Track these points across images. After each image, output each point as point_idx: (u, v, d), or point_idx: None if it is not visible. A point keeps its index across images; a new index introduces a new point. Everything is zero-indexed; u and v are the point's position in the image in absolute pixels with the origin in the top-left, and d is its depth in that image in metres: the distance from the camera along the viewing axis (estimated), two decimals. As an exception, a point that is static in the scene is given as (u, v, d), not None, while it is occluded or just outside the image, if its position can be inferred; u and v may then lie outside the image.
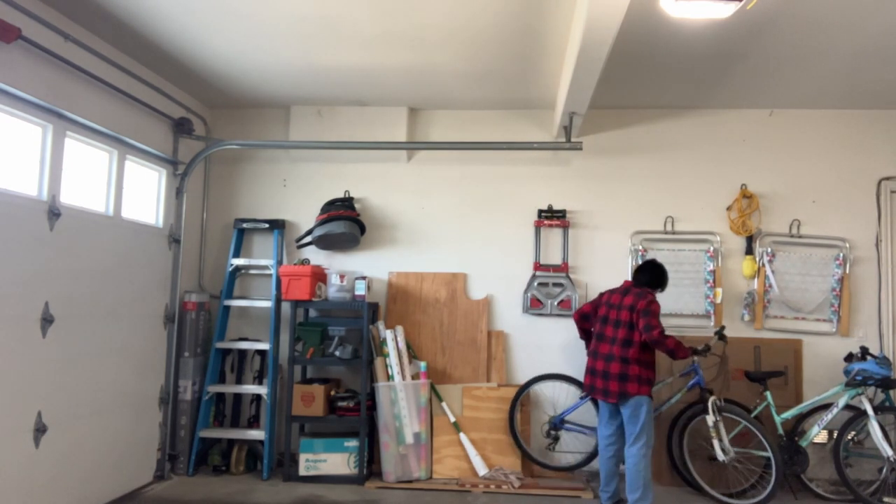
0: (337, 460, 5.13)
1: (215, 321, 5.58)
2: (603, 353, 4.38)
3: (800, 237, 5.43)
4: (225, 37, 4.33)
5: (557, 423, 5.14)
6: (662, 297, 5.41)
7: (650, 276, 4.51)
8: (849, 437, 4.72)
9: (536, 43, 4.29)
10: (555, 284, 5.48)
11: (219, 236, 5.83)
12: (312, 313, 5.68)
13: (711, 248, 5.42)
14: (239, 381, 5.61)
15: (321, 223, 5.40)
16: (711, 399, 4.64)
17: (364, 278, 5.29)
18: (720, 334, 4.95)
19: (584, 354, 5.47)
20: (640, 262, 5.44)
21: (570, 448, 5.32)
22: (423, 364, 5.26)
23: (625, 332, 4.30)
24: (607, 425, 4.47)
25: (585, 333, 4.76)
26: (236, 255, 5.66)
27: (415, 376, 5.23)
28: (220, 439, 5.46)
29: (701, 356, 4.74)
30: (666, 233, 5.52)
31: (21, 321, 3.67)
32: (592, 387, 4.42)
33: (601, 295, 4.61)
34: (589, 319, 4.64)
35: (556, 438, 5.20)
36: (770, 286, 5.34)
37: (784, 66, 4.60)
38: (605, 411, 4.47)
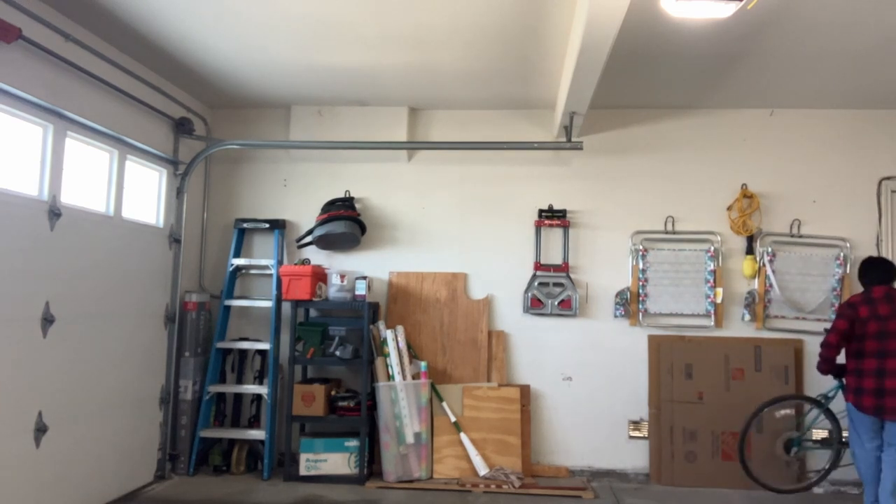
0: (337, 460, 5.13)
1: (216, 321, 5.58)
2: (892, 369, 3.99)
3: (800, 237, 5.43)
4: (225, 36, 4.33)
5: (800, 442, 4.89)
6: (665, 298, 5.43)
7: (888, 267, 4.21)
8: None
9: (537, 43, 4.29)
10: (555, 284, 5.48)
11: (219, 236, 5.84)
12: (313, 313, 5.68)
13: (712, 248, 5.42)
14: (239, 381, 5.61)
15: (321, 223, 5.40)
16: None
17: (364, 278, 5.29)
18: None
19: (586, 355, 5.48)
20: (639, 262, 5.44)
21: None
22: (423, 364, 5.26)
23: None
24: (874, 437, 4.17)
25: (838, 353, 4.26)
26: (237, 255, 5.66)
27: (415, 376, 5.23)
28: (220, 439, 5.46)
29: None
30: (666, 233, 5.51)
31: (22, 321, 3.67)
32: (880, 407, 4.03)
33: (855, 310, 4.14)
34: (845, 339, 4.20)
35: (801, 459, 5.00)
36: (770, 286, 5.34)
37: (784, 66, 4.60)
38: (875, 425, 4.15)
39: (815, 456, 5.13)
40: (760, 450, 5.04)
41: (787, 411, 5.01)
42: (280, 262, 5.62)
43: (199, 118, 5.65)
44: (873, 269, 4.26)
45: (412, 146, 5.62)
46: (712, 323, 5.37)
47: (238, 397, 5.59)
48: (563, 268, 5.50)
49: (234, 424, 5.55)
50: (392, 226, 5.74)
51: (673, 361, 5.27)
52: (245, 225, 5.68)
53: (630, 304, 5.41)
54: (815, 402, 4.82)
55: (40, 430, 3.80)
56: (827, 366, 4.30)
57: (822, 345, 4.26)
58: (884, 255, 5.36)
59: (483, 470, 5.06)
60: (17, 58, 3.63)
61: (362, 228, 5.57)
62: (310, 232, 5.55)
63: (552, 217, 5.54)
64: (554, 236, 5.59)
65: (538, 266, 5.53)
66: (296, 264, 5.43)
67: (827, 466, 4.83)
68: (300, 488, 4.95)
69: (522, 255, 5.60)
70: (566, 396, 5.47)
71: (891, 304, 4.09)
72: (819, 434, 4.99)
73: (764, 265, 5.37)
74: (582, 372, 5.48)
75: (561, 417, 5.46)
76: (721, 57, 4.47)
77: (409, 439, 5.07)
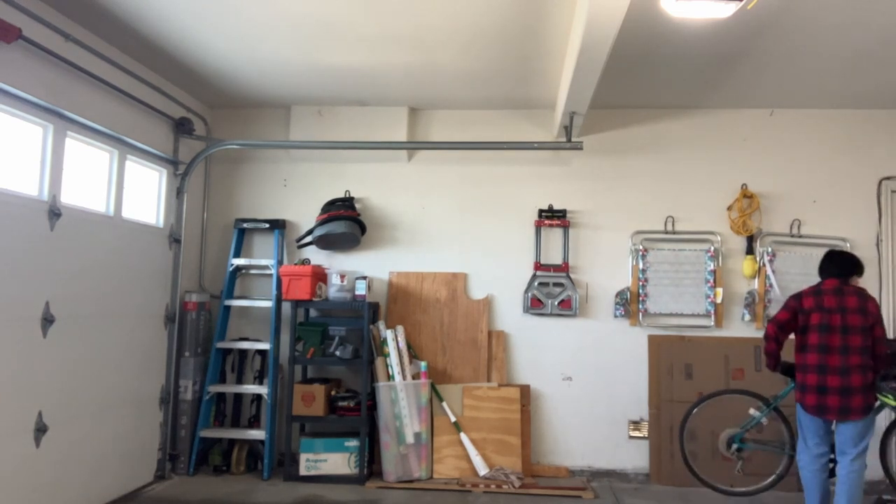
0: (337, 460, 5.13)
1: (216, 321, 5.58)
2: (835, 366, 3.84)
3: (800, 237, 5.43)
4: (226, 37, 4.33)
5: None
6: (665, 298, 5.43)
7: (848, 262, 4.04)
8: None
9: (537, 43, 4.29)
10: (555, 284, 5.48)
11: (219, 236, 5.84)
12: (313, 313, 5.68)
13: (712, 248, 5.42)
14: (239, 381, 5.61)
15: (322, 223, 5.40)
16: None
17: (364, 278, 5.29)
18: None
19: (586, 355, 5.48)
20: (639, 262, 5.44)
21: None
22: (423, 364, 5.26)
23: (861, 338, 3.83)
24: (822, 442, 3.99)
25: (779, 346, 4.11)
26: (237, 255, 5.66)
27: (415, 376, 5.23)
28: (220, 439, 5.46)
29: None
30: (666, 233, 5.51)
31: (22, 321, 3.67)
32: (823, 406, 3.87)
33: (799, 301, 4.01)
34: (785, 330, 4.08)
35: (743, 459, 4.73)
36: (770, 286, 5.34)
37: (784, 66, 4.60)
38: (821, 428, 3.98)
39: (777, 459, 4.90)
40: (706, 447, 5.01)
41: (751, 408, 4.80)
42: (280, 262, 5.62)
43: (199, 118, 5.65)
44: (829, 262, 4.09)
45: (412, 146, 5.62)
46: (712, 323, 5.37)
47: (238, 397, 5.59)
48: (563, 268, 5.50)
49: (234, 424, 5.55)
50: (392, 226, 5.74)
51: (673, 361, 5.27)
52: (245, 225, 5.68)
53: (630, 304, 5.41)
54: (762, 399, 4.67)
55: (40, 430, 3.80)
56: (770, 360, 4.14)
57: (763, 337, 4.14)
58: (883, 255, 5.37)
59: (483, 470, 5.06)
60: (17, 58, 3.63)
61: (362, 228, 5.57)
62: (310, 232, 5.55)
63: (552, 217, 5.54)
64: (554, 236, 5.59)
65: (538, 266, 5.53)
66: (296, 264, 5.43)
67: (780, 471, 4.68)
68: (300, 488, 4.95)
69: (522, 255, 5.60)
70: (566, 396, 5.47)
71: (839, 298, 3.91)
72: (766, 434, 4.81)
73: (764, 265, 5.37)
74: (582, 372, 5.48)
75: (561, 417, 5.46)
76: (721, 57, 4.47)
77: (409, 439, 5.07)
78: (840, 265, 4.05)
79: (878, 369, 3.92)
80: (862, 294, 3.94)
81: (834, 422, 3.96)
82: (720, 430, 5.04)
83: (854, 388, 3.82)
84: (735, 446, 4.67)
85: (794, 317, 4.02)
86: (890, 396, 3.96)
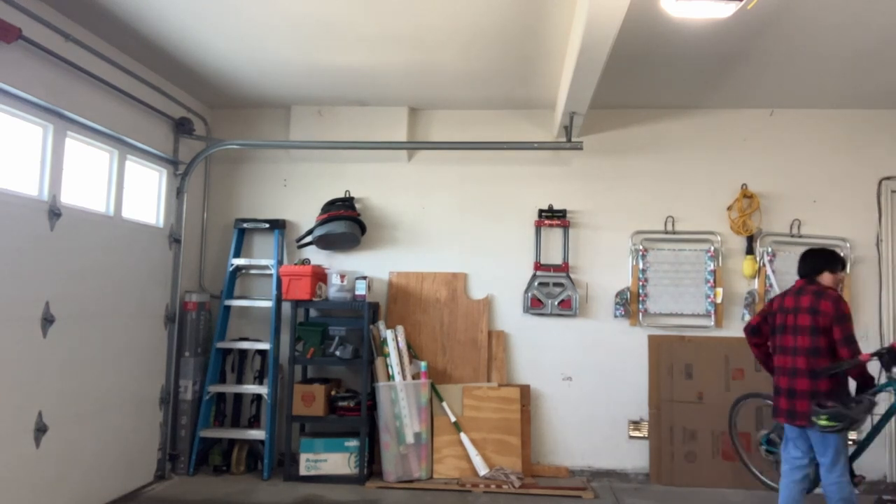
0: (337, 460, 5.13)
1: (216, 321, 5.58)
2: (785, 367, 3.74)
3: (800, 237, 5.43)
4: (226, 37, 4.33)
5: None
6: (665, 298, 5.43)
7: (816, 259, 3.84)
8: None
9: (537, 43, 4.29)
10: (555, 284, 5.48)
11: (219, 236, 5.84)
12: (313, 313, 5.68)
13: (712, 248, 5.42)
14: (239, 381, 5.61)
15: (321, 223, 5.41)
16: None
17: (364, 278, 5.29)
18: None
19: (586, 355, 5.49)
20: (639, 262, 5.44)
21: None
22: (423, 364, 5.27)
23: (809, 339, 3.64)
24: (795, 447, 3.79)
25: (760, 350, 4.07)
26: (237, 255, 5.66)
27: (415, 376, 5.23)
28: (220, 439, 5.46)
29: None
30: (666, 233, 5.51)
31: (22, 321, 3.67)
32: (777, 408, 3.80)
33: (771, 303, 3.95)
34: (759, 333, 4.01)
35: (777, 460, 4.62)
36: (771, 286, 5.34)
37: (784, 66, 4.60)
38: (792, 432, 3.80)
39: None
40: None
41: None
42: (280, 262, 5.62)
43: (199, 118, 5.65)
44: (801, 260, 3.93)
45: (412, 146, 5.62)
46: (712, 323, 5.37)
47: (238, 397, 5.59)
48: (563, 268, 5.50)
49: (234, 424, 5.55)
50: (392, 226, 5.74)
51: (673, 361, 5.27)
52: (245, 225, 5.68)
53: (630, 304, 5.41)
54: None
55: (40, 430, 3.80)
56: (761, 365, 4.13)
57: None
58: (883, 255, 5.36)
59: (483, 470, 5.06)
60: (17, 58, 3.63)
61: (362, 228, 5.58)
62: (310, 232, 5.55)
63: (552, 217, 5.54)
64: (554, 236, 5.59)
65: (538, 266, 5.53)
66: (296, 264, 5.43)
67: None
68: (300, 488, 4.95)
69: (522, 254, 5.60)
70: (566, 396, 5.47)
71: (796, 298, 3.76)
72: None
73: (764, 265, 5.37)
74: (582, 372, 5.48)
75: (561, 417, 5.46)
76: (721, 57, 4.47)
77: (409, 439, 5.07)
78: (803, 264, 3.91)
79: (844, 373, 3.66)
80: (818, 293, 3.69)
81: None
82: (719, 431, 5.07)
83: (799, 392, 3.66)
84: (763, 447, 4.59)
85: (765, 320, 3.98)
86: (824, 417, 3.51)
